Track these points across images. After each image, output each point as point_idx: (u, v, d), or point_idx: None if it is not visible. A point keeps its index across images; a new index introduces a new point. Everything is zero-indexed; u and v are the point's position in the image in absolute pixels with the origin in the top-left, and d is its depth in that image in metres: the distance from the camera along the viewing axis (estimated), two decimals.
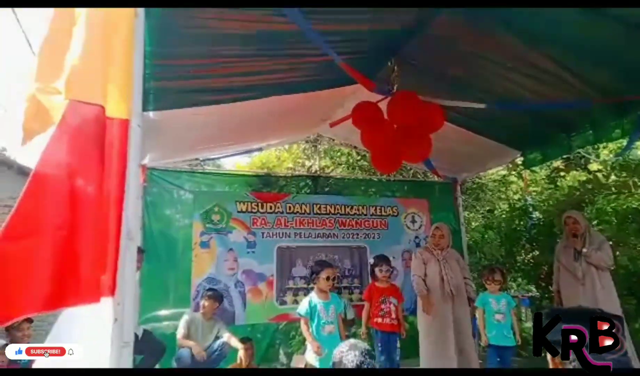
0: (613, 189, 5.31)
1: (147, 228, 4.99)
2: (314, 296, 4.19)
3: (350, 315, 5.09)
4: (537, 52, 3.18)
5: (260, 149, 5.75)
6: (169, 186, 5.30)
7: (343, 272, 5.65)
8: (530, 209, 6.38)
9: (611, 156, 5.72)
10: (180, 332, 4.39)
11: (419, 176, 7.77)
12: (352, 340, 2.23)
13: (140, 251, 4.45)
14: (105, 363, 0.87)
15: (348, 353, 2.06)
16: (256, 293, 5.23)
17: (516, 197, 7.43)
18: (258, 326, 5.27)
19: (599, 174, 5.57)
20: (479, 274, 6.02)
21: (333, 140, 7.75)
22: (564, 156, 6.20)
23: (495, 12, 2.89)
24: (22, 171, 7.41)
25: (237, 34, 2.96)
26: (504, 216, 7.13)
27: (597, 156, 5.96)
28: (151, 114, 3.73)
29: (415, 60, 3.74)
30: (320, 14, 2.83)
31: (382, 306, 4.60)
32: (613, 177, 5.39)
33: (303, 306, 4.15)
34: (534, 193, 6.78)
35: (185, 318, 4.52)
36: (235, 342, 4.40)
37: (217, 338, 4.53)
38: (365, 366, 2.01)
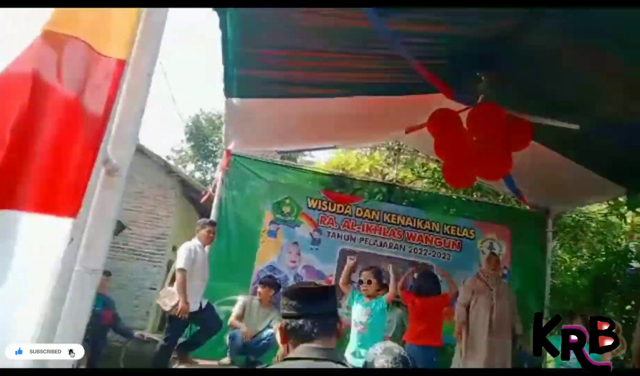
0: None
1: (223, 208, 5.29)
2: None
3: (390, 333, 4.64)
4: None
5: (334, 147, 5.78)
6: (249, 173, 5.55)
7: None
8: (630, 256, 5.57)
9: None
10: (234, 312, 4.55)
11: (509, 203, 7.18)
12: (388, 343, 2.12)
13: (212, 224, 4.70)
14: (47, 283, 0.86)
15: (381, 356, 1.98)
16: None
17: (616, 241, 6.53)
18: None
19: None
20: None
21: (417, 152, 7.53)
22: None
23: (603, 26, 2.58)
24: None
25: (322, 28, 3.00)
26: (598, 259, 6.32)
27: None
28: (234, 100, 3.93)
29: (507, 72, 3.49)
30: (404, 13, 2.76)
31: None
32: None
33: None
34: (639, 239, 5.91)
35: (242, 299, 4.67)
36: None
37: (268, 327, 4.58)
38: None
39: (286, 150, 5.78)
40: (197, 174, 21.09)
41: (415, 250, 5.61)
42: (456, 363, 4.37)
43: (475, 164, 3.42)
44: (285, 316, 1.34)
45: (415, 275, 4.74)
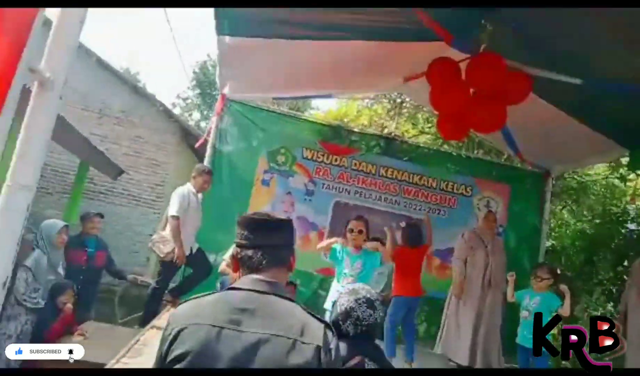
0: None
1: (217, 155, 5.23)
2: (345, 245, 3.93)
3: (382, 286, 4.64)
4: None
5: (330, 96, 5.61)
6: (244, 120, 5.43)
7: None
8: (627, 218, 5.49)
9: None
10: (225, 260, 4.57)
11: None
12: (359, 285, 2.08)
13: (209, 173, 4.64)
14: None
15: (344, 296, 1.95)
16: (306, 242, 5.25)
17: (615, 203, 6.41)
18: (303, 274, 5.28)
19: None
20: None
21: (422, 107, 7.29)
22: None
23: None
24: None
25: None
26: (597, 220, 6.24)
27: None
28: (226, 39, 3.74)
29: (511, 20, 3.27)
30: None
31: None
32: None
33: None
34: None
35: (233, 247, 4.68)
36: None
37: None
38: (356, 314, 1.87)
39: (280, 96, 5.60)
40: (203, 124, 20.69)
41: (411, 205, 5.57)
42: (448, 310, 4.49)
43: (469, 116, 3.30)
44: (238, 246, 1.31)
45: (403, 224, 4.73)
